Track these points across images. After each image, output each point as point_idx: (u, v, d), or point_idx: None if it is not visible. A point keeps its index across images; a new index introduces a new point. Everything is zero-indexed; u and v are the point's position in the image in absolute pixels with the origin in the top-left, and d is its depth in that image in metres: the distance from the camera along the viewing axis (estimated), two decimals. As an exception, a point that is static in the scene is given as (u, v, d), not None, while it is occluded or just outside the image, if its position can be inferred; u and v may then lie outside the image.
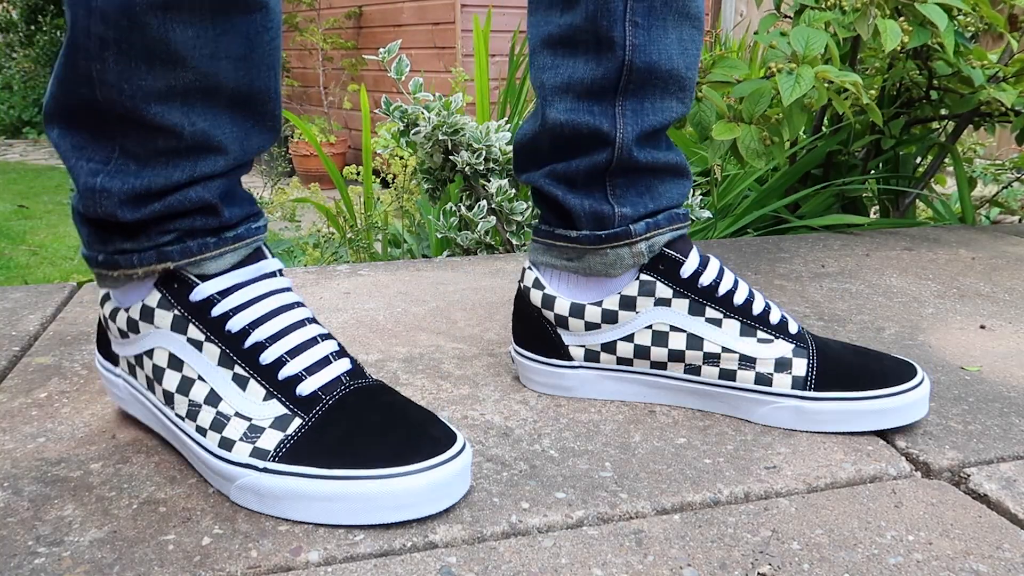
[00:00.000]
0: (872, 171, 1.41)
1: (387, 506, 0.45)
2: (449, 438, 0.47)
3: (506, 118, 1.58)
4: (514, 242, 1.22)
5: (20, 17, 6.18)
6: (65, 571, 0.42)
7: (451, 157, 1.16)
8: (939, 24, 0.99)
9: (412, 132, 1.16)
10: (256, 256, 0.52)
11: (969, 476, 0.52)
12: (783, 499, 0.50)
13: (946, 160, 1.41)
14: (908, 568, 0.43)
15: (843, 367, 0.58)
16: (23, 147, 5.37)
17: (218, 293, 0.50)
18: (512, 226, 1.23)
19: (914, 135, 1.38)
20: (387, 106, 1.19)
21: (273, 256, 0.54)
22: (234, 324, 0.49)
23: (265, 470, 0.46)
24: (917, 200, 1.44)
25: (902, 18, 1.06)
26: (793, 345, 0.58)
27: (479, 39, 1.61)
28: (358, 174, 1.65)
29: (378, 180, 1.67)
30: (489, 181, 1.23)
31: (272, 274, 0.52)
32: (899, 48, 1.10)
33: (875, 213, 1.49)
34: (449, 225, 1.20)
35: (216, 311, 0.49)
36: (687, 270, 0.59)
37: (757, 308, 0.59)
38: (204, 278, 0.50)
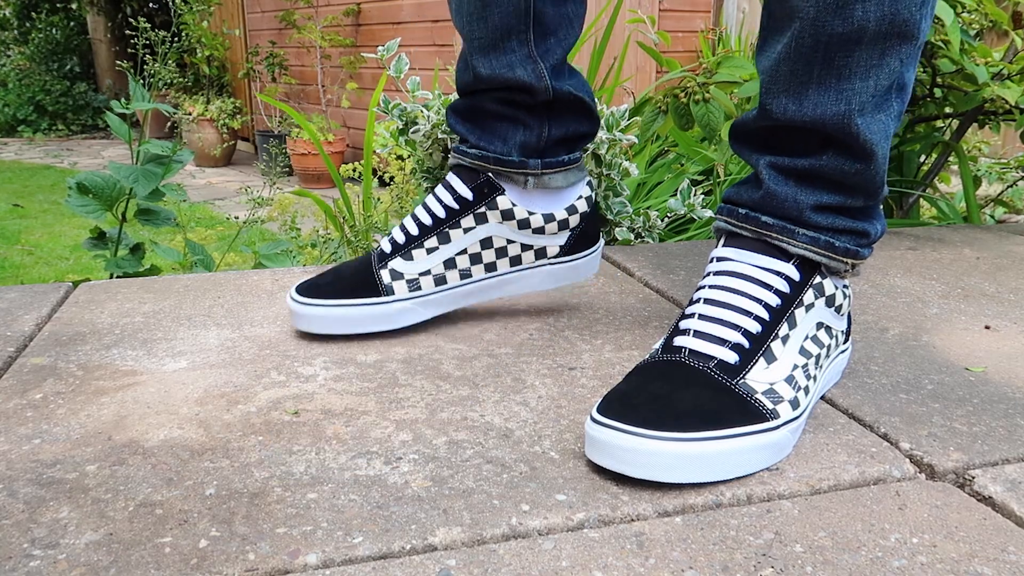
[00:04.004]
0: (874, 170, 1.40)
1: None
2: None
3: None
4: (514, 241, 1.22)
5: (14, 14, 6.17)
6: (60, 574, 0.42)
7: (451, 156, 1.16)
8: (945, 19, 0.98)
9: (411, 131, 1.15)
10: None
11: (974, 478, 0.52)
12: (786, 501, 0.49)
13: (950, 159, 1.40)
14: (912, 571, 0.43)
15: None
16: (18, 145, 5.36)
17: None
18: (512, 225, 1.23)
19: (918, 133, 1.38)
20: (386, 105, 1.19)
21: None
22: None
23: None
24: (921, 199, 1.43)
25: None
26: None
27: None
28: (355, 171, 1.64)
29: (376, 179, 1.66)
30: (489, 179, 1.22)
31: None
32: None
33: (877, 212, 1.48)
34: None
35: None
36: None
37: None
38: None
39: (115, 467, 0.52)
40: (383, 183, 1.64)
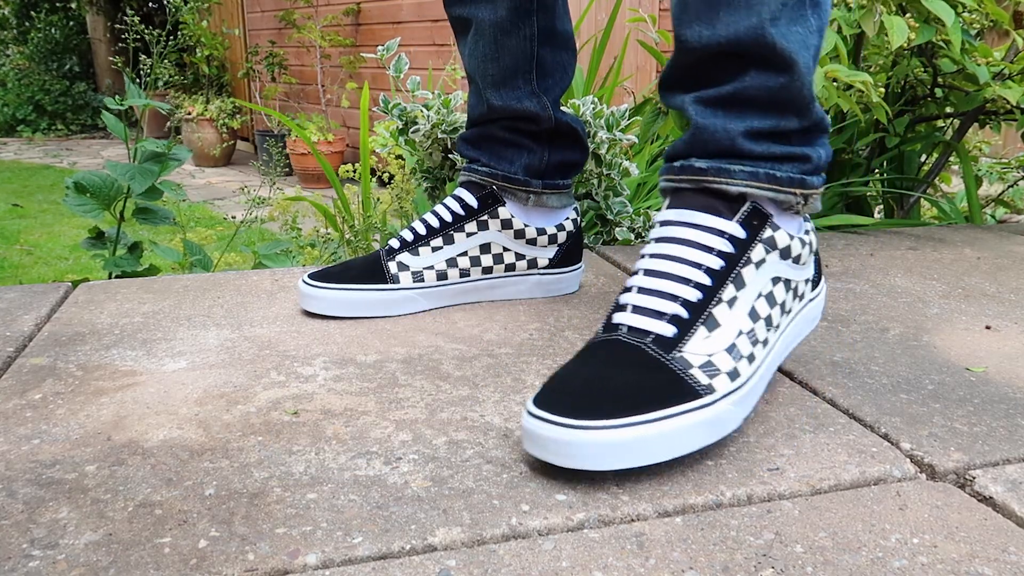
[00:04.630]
0: (876, 170, 1.40)
1: None
2: None
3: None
4: (514, 241, 1.21)
5: (13, 14, 6.16)
6: (60, 574, 0.42)
7: (450, 156, 1.16)
8: (946, 20, 0.98)
9: (411, 131, 1.15)
10: None
11: (975, 478, 0.52)
12: (786, 501, 0.49)
13: (951, 159, 1.40)
14: (913, 572, 0.43)
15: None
16: (17, 145, 5.36)
17: None
18: (512, 224, 1.23)
19: (919, 133, 1.38)
20: (385, 104, 1.18)
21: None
22: None
23: None
24: (922, 199, 1.43)
25: (907, 15, 1.06)
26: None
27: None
28: (355, 171, 1.64)
29: (375, 179, 1.66)
30: (489, 179, 1.22)
31: None
32: (904, 45, 1.09)
33: (879, 213, 1.48)
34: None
35: None
36: None
37: None
38: None
39: (114, 467, 0.52)
40: (383, 183, 1.64)
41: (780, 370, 0.68)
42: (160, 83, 1.18)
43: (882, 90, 1.28)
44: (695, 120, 0.58)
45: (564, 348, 0.73)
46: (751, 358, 0.54)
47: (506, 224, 0.83)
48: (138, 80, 1.17)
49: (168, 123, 4.75)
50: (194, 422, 0.58)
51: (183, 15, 1.17)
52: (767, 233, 0.56)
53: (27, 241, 2.71)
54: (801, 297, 0.60)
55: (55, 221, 3.01)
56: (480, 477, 0.51)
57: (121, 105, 1.11)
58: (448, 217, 0.82)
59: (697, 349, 0.52)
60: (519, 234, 0.83)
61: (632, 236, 1.17)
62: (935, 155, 1.42)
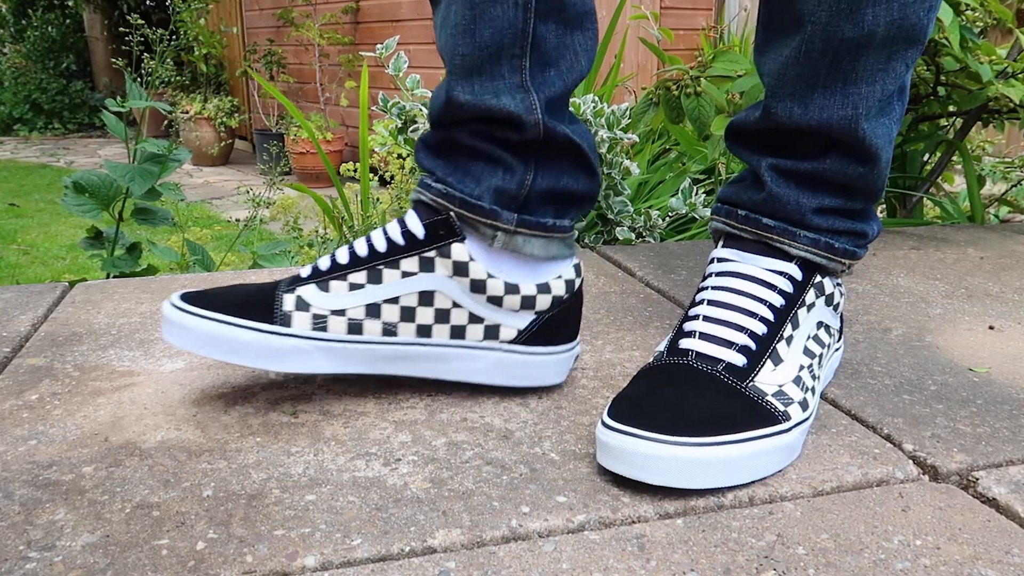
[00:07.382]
0: (876, 169, 1.40)
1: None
2: None
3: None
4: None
5: (9, 11, 6.15)
6: (55, 577, 0.41)
7: (450, 154, 1.15)
8: (944, 19, 0.98)
9: (410, 129, 1.15)
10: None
11: (978, 480, 0.52)
12: (788, 503, 0.49)
13: (954, 158, 1.40)
14: (915, 573, 0.42)
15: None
16: (14, 144, 5.35)
17: None
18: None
19: (921, 132, 1.37)
20: (385, 103, 1.18)
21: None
22: None
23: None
24: (925, 199, 1.43)
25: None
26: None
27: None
28: (355, 170, 1.64)
29: (375, 178, 1.66)
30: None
31: None
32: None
33: (882, 212, 1.48)
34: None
35: None
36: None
37: None
38: None
39: (112, 468, 0.51)
40: (384, 182, 1.64)
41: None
42: (159, 82, 1.18)
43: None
44: (770, 187, 0.59)
45: (564, 348, 0.72)
46: (813, 391, 0.56)
47: (460, 269, 0.58)
48: (138, 80, 1.17)
49: (166, 122, 4.76)
50: (192, 423, 0.58)
51: (182, 14, 1.17)
52: (817, 278, 0.59)
53: (24, 241, 2.70)
54: (833, 345, 0.63)
55: (52, 221, 3.00)
56: (480, 479, 0.51)
57: (123, 106, 1.10)
58: (381, 245, 0.58)
59: (767, 380, 0.54)
60: (477, 286, 0.58)
61: (632, 236, 1.17)
62: (938, 154, 1.42)
